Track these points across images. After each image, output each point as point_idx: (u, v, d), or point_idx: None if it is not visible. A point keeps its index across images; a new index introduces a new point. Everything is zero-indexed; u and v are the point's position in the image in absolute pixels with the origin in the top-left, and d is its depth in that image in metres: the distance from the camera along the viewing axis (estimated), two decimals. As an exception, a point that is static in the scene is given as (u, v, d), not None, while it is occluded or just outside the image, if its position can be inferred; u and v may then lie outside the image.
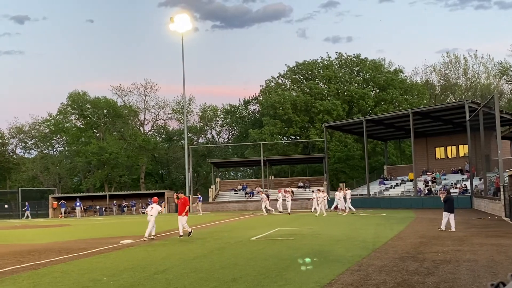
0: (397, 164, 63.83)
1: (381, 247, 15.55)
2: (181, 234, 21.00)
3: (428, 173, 51.90)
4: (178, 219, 21.29)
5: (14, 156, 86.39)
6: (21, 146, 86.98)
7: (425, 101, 73.32)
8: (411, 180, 48.83)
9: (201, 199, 50.58)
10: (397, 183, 52.92)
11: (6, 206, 56.80)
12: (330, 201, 41.86)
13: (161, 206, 25.65)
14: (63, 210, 56.30)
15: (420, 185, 47.34)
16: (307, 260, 13.01)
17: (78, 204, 56.14)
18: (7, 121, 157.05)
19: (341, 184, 52.05)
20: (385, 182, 54.43)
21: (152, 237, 20.60)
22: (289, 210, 40.48)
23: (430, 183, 47.68)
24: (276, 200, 43.86)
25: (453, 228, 20.13)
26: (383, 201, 46.89)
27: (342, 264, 12.16)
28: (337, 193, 41.36)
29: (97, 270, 12.52)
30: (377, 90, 73.41)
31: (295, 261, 13.01)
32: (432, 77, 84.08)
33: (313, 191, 41.68)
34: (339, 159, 67.57)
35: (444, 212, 20.63)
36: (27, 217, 55.43)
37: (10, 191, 73.94)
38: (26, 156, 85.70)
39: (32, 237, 25.27)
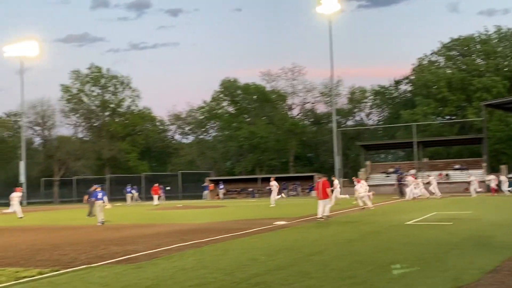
0: None
1: (552, 233, 14.33)
2: (320, 216, 21.07)
3: None
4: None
5: (173, 141, 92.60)
6: (179, 132, 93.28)
7: None
8: None
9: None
10: None
11: (168, 188, 60.60)
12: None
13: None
14: (205, 193, 58.89)
15: None
16: (468, 245, 12.36)
17: (221, 187, 58.86)
18: (166, 109, 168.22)
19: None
20: (553, 164, 50.00)
21: (364, 207, 26.51)
22: (411, 196, 38.29)
23: None
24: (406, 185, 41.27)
25: None
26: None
27: (507, 251, 11.36)
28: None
29: (254, 249, 12.92)
30: (543, 64, 67.50)
31: (455, 246, 12.40)
32: None
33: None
34: (500, 139, 63.45)
35: None
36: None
37: (171, 174, 78.88)
38: (184, 142, 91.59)
39: (193, 217, 26.76)
